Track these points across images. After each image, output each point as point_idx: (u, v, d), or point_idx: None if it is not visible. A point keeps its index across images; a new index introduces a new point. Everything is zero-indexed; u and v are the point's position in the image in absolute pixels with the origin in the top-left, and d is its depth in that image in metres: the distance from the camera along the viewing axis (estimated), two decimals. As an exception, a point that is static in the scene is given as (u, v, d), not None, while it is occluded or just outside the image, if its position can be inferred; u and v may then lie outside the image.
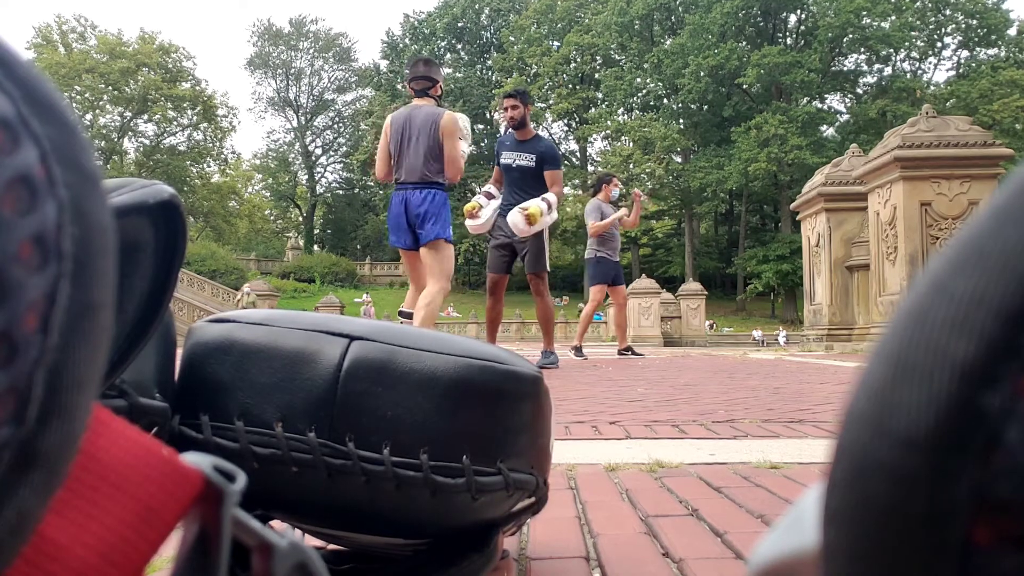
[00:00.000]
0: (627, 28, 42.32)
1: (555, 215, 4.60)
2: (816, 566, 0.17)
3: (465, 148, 4.11)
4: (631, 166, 40.66)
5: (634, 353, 7.23)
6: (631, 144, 41.57)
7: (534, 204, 4.48)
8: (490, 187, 4.92)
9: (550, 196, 4.58)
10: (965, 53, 41.09)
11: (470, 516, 0.61)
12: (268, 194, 55.10)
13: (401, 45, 50.14)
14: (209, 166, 47.40)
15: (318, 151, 54.05)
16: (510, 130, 4.88)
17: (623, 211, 6.82)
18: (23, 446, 0.18)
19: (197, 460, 0.26)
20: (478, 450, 0.59)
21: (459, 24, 49.68)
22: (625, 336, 7.30)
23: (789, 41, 42.53)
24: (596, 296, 6.73)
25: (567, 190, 47.54)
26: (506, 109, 4.80)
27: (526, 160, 4.74)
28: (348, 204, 52.04)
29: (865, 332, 8.01)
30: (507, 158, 4.81)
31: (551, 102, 45.25)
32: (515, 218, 4.48)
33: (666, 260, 45.46)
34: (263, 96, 60.13)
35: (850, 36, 39.37)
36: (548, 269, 4.82)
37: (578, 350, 6.84)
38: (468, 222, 4.64)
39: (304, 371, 0.58)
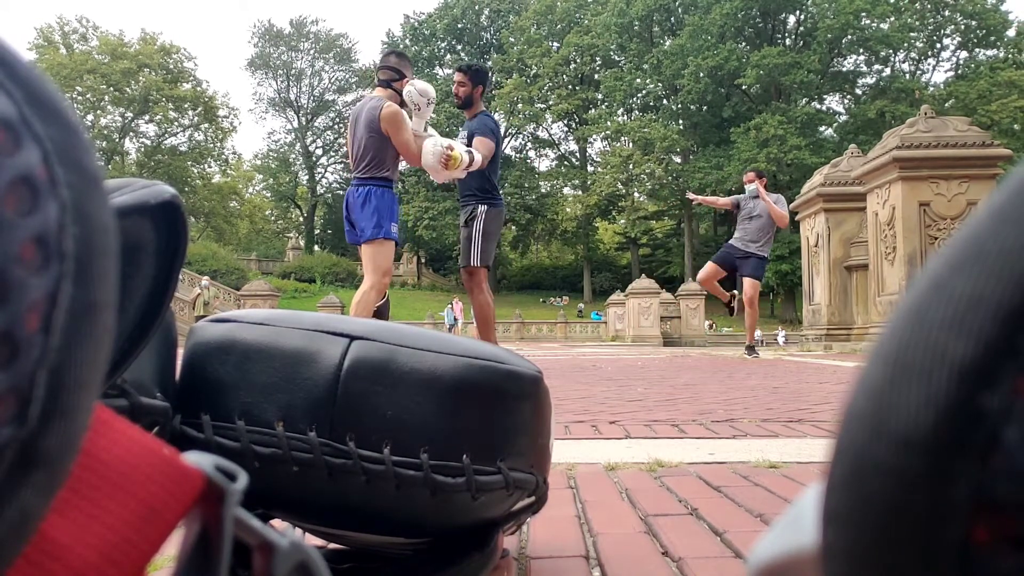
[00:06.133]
0: (627, 29, 42.31)
1: (471, 159, 3.97)
2: (815, 565, 0.17)
3: (418, 124, 3.81)
4: (631, 167, 40.67)
5: (752, 352, 6.85)
6: (631, 145, 41.58)
7: (461, 150, 3.98)
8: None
9: (476, 155, 4.05)
10: (964, 54, 41.12)
11: (470, 515, 0.61)
12: (269, 194, 55.09)
13: (401, 46, 50.09)
14: (210, 166, 47.40)
15: (319, 151, 54.10)
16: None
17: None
18: (25, 446, 0.18)
19: (198, 459, 0.26)
20: (478, 449, 0.59)
21: (459, 25, 49.66)
22: (752, 332, 6.94)
23: (788, 42, 42.52)
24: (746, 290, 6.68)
25: (567, 190, 47.57)
26: (454, 84, 4.39)
27: (462, 137, 4.35)
28: (348, 204, 51.94)
29: (864, 332, 8.01)
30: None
31: (551, 103, 45.25)
32: (432, 154, 3.89)
33: (665, 260, 45.48)
34: (264, 97, 60.09)
35: (849, 37, 39.36)
36: (479, 264, 4.27)
37: (751, 348, 6.74)
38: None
39: (305, 371, 0.58)
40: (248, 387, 0.58)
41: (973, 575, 0.14)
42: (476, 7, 49.92)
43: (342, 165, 53.03)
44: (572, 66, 45.38)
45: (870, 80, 42.66)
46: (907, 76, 41.70)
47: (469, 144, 4.21)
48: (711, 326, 27.20)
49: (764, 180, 6.78)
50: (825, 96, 42.90)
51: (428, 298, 39.78)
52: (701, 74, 39.06)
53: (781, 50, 38.40)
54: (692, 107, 41.50)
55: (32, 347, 0.18)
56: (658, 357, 7.49)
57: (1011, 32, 39.24)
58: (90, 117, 42.10)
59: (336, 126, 53.71)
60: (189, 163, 45.37)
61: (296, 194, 54.00)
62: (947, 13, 39.92)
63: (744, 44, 41.27)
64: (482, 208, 4.29)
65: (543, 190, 46.36)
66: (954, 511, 0.14)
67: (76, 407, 0.19)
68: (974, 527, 0.14)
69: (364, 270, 3.98)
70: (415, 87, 3.84)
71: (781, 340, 23.66)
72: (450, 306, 25.48)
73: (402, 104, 3.91)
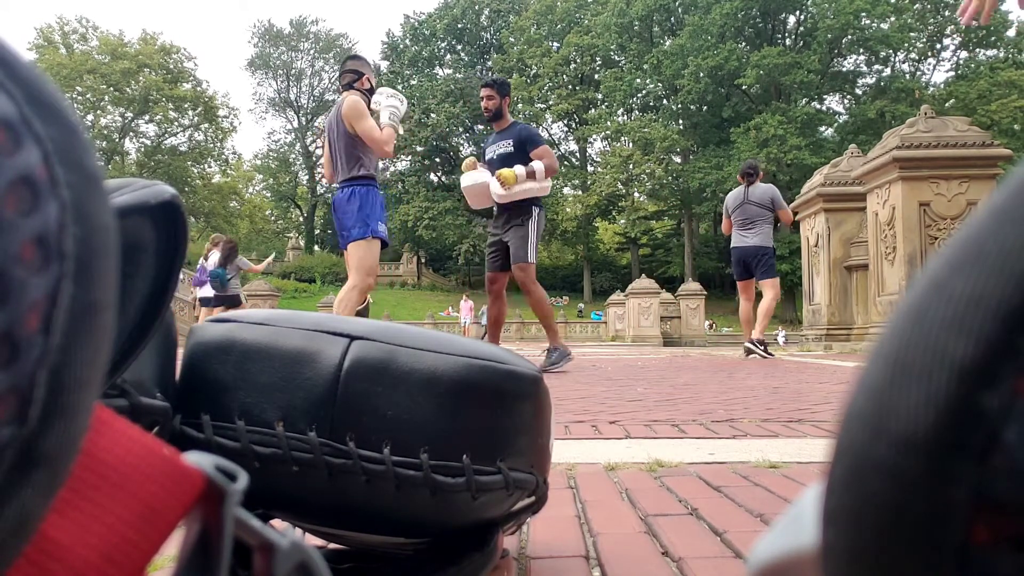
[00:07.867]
0: (627, 29, 42.33)
1: (546, 183, 4.42)
2: (815, 565, 0.17)
3: (385, 118, 3.91)
4: (631, 167, 40.67)
5: (762, 353, 6.55)
6: (631, 145, 41.58)
7: (507, 169, 4.35)
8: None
9: (535, 163, 4.40)
10: (964, 54, 41.12)
11: (470, 515, 0.61)
12: (269, 194, 55.13)
13: (401, 46, 50.13)
14: (210, 166, 47.44)
15: (319, 151, 54.10)
16: (492, 126, 4.76)
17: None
18: (25, 446, 0.18)
19: (198, 459, 0.26)
20: (478, 449, 0.59)
21: (459, 25, 49.67)
22: (749, 330, 6.69)
23: (788, 42, 42.53)
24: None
25: (567, 190, 47.56)
26: (482, 99, 4.64)
27: (504, 147, 4.55)
28: (348, 204, 51.95)
29: (864, 332, 8.01)
30: (488, 152, 4.66)
31: (551, 103, 45.26)
32: (492, 186, 4.35)
33: (665, 260, 45.48)
34: (264, 97, 60.22)
35: (849, 37, 39.37)
36: (531, 261, 4.58)
37: (759, 344, 6.58)
38: (467, 177, 4.51)
39: (305, 371, 0.58)
40: (248, 387, 0.58)
41: (973, 575, 0.14)
42: (476, 7, 49.92)
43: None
44: (572, 66, 45.37)
45: (870, 80, 42.67)
46: (907, 76, 41.72)
47: (517, 152, 4.50)
48: (711, 326, 27.20)
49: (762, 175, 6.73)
50: (825, 96, 42.90)
51: (428, 298, 39.77)
52: (701, 74, 39.06)
53: (781, 50, 38.40)
54: (692, 107, 41.51)
55: (32, 347, 0.18)
56: (658, 357, 7.50)
57: (1011, 32, 39.25)
58: (90, 117, 42.11)
59: (336, 126, 53.66)
60: (189, 163, 45.39)
61: (296, 194, 54.02)
62: (947, 13, 39.89)
63: (744, 44, 41.27)
64: (536, 208, 4.59)
65: (543, 190, 46.30)
66: (954, 511, 0.14)
67: (76, 407, 0.19)
68: (974, 527, 0.14)
69: (348, 269, 4.02)
70: (382, 92, 4.05)
71: (781, 340, 23.65)
72: (483, 310, 24.96)
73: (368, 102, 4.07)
